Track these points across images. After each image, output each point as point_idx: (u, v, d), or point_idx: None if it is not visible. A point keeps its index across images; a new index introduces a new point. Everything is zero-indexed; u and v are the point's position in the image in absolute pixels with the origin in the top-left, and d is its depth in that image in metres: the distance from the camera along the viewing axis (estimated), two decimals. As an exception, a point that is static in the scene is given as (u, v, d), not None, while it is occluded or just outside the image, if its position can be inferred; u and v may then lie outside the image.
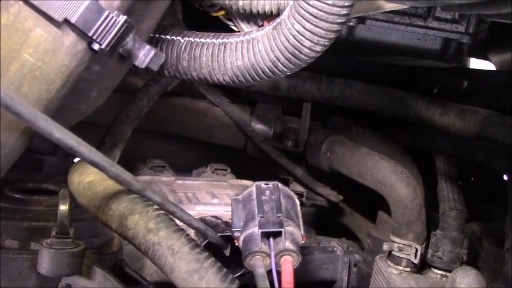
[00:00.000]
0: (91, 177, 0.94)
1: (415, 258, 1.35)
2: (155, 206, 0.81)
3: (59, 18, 0.75)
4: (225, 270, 0.74)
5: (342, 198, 1.77)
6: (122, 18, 0.78)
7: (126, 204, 0.82)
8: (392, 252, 1.39)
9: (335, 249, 1.49)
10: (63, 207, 0.98)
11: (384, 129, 1.78)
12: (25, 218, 1.13)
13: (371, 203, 1.64)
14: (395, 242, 1.38)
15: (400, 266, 1.38)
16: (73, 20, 0.76)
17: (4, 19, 0.76)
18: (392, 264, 1.39)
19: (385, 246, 1.39)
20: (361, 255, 1.59)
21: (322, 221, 1.86)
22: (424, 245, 1.39)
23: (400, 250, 1.37)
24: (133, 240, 0.79)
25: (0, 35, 0.75)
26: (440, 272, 1.39)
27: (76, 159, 1.12)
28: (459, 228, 1.42)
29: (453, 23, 1.39)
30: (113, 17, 0.78)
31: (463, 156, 1.58)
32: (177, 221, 0.82)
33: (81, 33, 0.77)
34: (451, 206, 1.44)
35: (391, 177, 1.40)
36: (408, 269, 1.38)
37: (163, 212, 0.81)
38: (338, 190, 1.78)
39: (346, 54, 1.65)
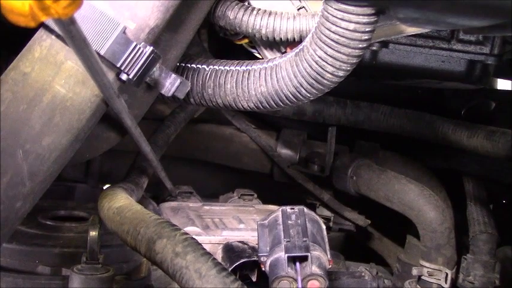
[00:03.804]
0: (120, 202, 0.96)
1: (446, 283, 1.33)
2: (182, 231, 0.82)
3: (89, 50, 0.78)
4: (251, 294, 0.75)
5: (369, 222, 1.76)
6: (149, 49, 0.81)
7: (154, 229, 0.83)
8: (422, 277, 1.37)
9: (363, 274, 1.47)
10: (93, 234, 1.01)
11: (411, 153, 1.77)
12: (57, 245, 1.16)
13: (399, 227, 1.62)
14: (424, 266, 1.36)
15: (431, 291, 1.36)
16: (102, 52, 0.79)
17: (37, 53, 0.80)
18: (422, 290, 1.37)
19: (415, 271, 1.37)
20: (391, 281, 1.57)
21: (351, 246, 1.84)
22: (454, 270, 1.36)
23: (430, 275, 1.35)
24: (161, 264, 0.80)
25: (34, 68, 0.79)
26: (472, 297, 1.37)
27: (106, 186, 1.15)
28: (490, 252, 1.39)
29: (477, 44, 1.39)
30: (140, 48, 0.80)
31: (493, 178, 1.55)
32: (205, 246, 0.83)
33: (110, 65, 0.80)
34: (482, 229, 1.41)
35: (418, 201, 1.38)
36: (439, 294, 1.36)
37: (190, 236, 0.82)
38: (366, 214, 1.76)
39: (371, 78, 1.65)
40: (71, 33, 0.54)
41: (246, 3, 1.08)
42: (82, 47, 0.60)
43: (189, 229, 1.22)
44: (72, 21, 0.52)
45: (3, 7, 0.41)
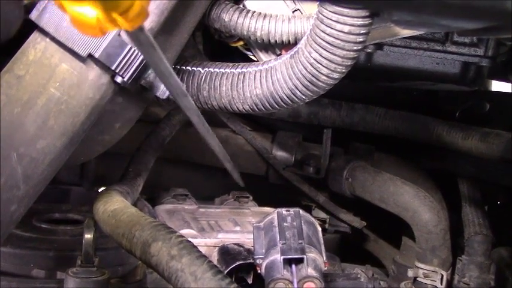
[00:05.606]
0: (115, 205, 0.96)
1: (441, 284, 1.33)
2: (178, 233, 0.82)
3: (84, 53, 0.78)
4: (247, 296, 0.75)
5: (365, 224, 1.76)
6: (144, 51, 0.81)
7: (150, 232, 0.83)
8: (418, 279, 1.37)
9: (359, 276, 1.47)
10: (88, 237, 1.00)
11: (406, 154, 1.77)
12: (51, 248, 1.16)
13: (395, 228, 1.62)
14: (420, 268, 1.36)
15: (426, 292, 1.36)
16: (97, 55, 0.78)
17: (32, 55, 0.80)
18: (417, 291, 1.37)
19: (410, 273, 1.37)
20: (387, 282, 1.57)
21: (346, 248, 1.84)
22: (450, 271, 1.37)
23: (426, 276, 1.35)
24: (156, 267, 0.80)
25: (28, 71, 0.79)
26: (467, 298, 1.37)
27: (101, 189, 1.15)
28: (485, 253, 1.40)
29: (471, 46, 1.39)
30: (134, 51, 0.80)
31: (489, 179, 1.56)
32: (200, 248, 0.83)
33: (105, 67, 0.80)
34: (476, 231, 1.41)
35: (414, 202, 1.39)
36: (434, 296, 1.36)
37: (185, 239, 0.82)
38: (361, 216, 1.77)
39: (365, 81, 1.65)
40: (139, 41, 0.55)
41: (241, 6, 1.08)
42: (151, 53, 0.60)
43: (184, 232, 1.22)
44: (141, 29, 0.52)
45: (72, 19, 0.42)
